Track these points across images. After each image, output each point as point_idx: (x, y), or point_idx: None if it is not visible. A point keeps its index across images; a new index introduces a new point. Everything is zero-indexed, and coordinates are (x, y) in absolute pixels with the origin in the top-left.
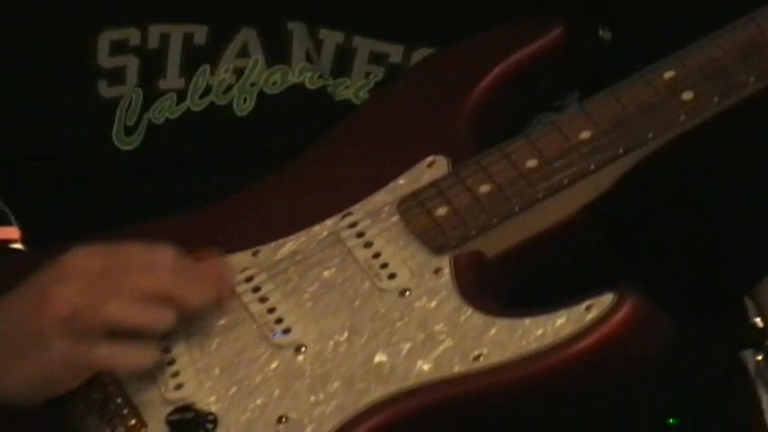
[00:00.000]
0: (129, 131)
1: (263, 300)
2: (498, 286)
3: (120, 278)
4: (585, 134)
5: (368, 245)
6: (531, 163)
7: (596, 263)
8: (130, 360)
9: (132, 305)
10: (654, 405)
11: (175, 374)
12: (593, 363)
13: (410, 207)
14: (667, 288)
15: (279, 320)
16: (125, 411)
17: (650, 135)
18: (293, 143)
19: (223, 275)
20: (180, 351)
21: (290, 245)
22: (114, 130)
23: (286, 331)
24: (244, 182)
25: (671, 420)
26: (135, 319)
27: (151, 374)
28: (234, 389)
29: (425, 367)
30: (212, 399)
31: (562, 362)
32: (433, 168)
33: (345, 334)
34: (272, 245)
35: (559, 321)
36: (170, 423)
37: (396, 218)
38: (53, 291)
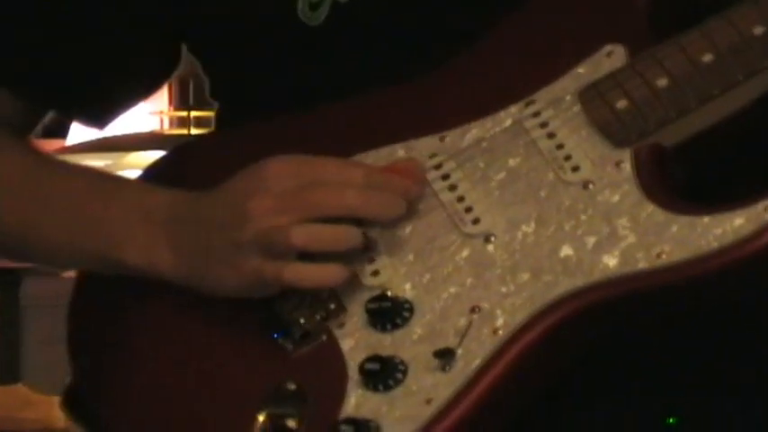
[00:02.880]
0: (313, 7)
1: (452, 188)
2: (676, 176)
3: (311, 196)
4: (759, 29)
5: (551, 135)
6: (707, 57)
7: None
8: (318, 280)
9: (320, 229)
10: None
11: (371, 260)
12: None
13: (591, 98)
14: None
15: (468, 209)
16: (325, 295)
17: None
18: (483, 22)
19: (415, 188)
20: (375, 237)
21: (475, 131)
22: (299, 5)
23: (476, 221)
24: (431, 62)
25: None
26: (321, 244)
27: (349, 260)
28: (427, 276)
29: (611, 263)
30: (408, 285)
31: (743, 258)
32: (611, 58)
33: (532, 225)
34: (458, 130)
35: (738, 221)
36: (368, 311)
37: (577, 108)
38: (249, 206)
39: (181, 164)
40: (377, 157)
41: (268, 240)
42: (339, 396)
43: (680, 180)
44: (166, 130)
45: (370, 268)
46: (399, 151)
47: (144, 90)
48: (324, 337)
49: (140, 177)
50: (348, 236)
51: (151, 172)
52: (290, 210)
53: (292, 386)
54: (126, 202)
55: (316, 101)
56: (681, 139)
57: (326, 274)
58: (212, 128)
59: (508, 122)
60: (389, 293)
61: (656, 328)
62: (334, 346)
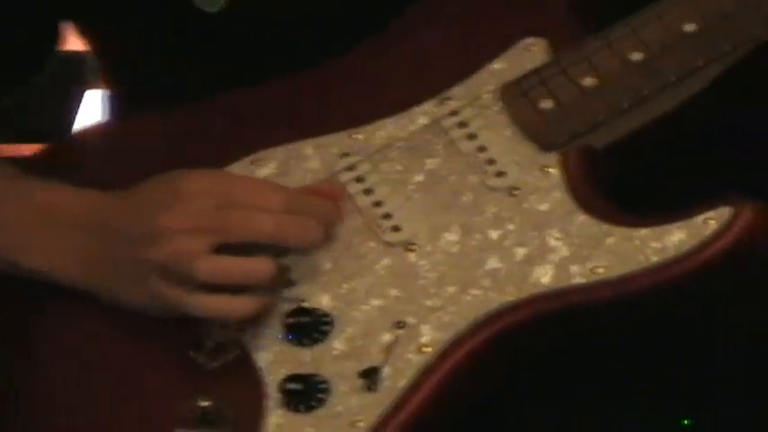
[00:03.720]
0: None
1: (368, 192)
2: (606, 179)
3: (226, 220)
4: (690, 26)
5: (472, 137)
6: (637, 56)
7: (697, 154)
8: (222, 314)
9: (228, 263)
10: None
11: (286, 269)
12: (715, 274)
13: (513, 97)
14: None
15: (387, 216)
16: None
17: (759, 31)
18: (392, 10)
19: (336, 214)
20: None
21: (389, 128)
22: None
23: (395, 229)
24: (337, 52)
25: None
26: (228, 279)
27: None
28: (346, 286)
29: (544, 277)
30: (326, 297)
31: (685, 273)
32: (532, 52)
33: (456, 233)
34: (369, 127)
35: (678, 235)
36: (286, 326)
37: (498, 108)
38: (161, 221)
39: (73, 153)
40: (285, 153)
41: (173, 266)
42: (258, 415)
43: (607, 183)
44: None
45: (284, 277)
46: (308, 148)
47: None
48: (238, 351)
49: (33, 165)
50: (258, 270)
51: (42, 161)
52: (203, 232)
53: (207, 403)
54: (22, 201)
55: (214, 90)
56: (611, 141)
57: (232, 308)
58: None
59: (424, 120)
60: (307, 305)
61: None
62: (248, 360)
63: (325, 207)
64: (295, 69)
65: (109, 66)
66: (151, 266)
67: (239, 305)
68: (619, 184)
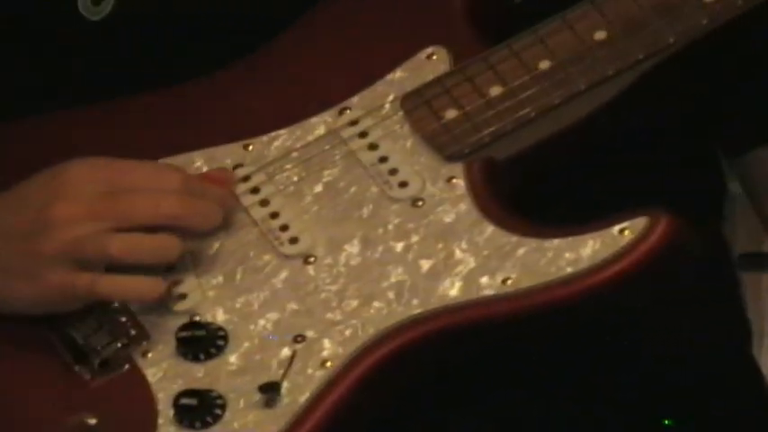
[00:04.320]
0: (96, 1)
1: (264, 203)
2: (513, 189)
3: (124, 203)
4: (600, 35)
5: (372, 147)
6: (544, 65)
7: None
8: (134, 293)
9: (139, 239)
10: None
11: (177, 282)
12: (632, 284)
13: (415, 106)
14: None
15: (284, 227)
16: (124, 319)
17: (671, 40)
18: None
19: (230, 198)
20: (178, 257)
21: (283, 139)
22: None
23: (293, 241)
24: (229, 58)
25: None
26: (141, 255)
27: None
28: (241, 300)
29: (451, 290)
30: (219, 311)
31: (600, 284)
32: (433, 62)
33: (357, 245)
34: (264, 138)
35: (592, 245)
36: (179, 339)
37: (400, 117)
38: (53, 212)
39: None
40: (173, 164)
41: (79, 249)
42: None
43: (514, 193)
44: None
45: (175, 291)
46: (198, 159)
47: None
48: (126, 367)
49: None
50: (169, 246)
51: None
52: (100, 217)
53: (92, 421)
54: None
55: (98, 98)
56: (516, 151)
57: (145, 287)
58: None
59: (321, 130)
60: (200, 319)
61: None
62: (138, 376)
63: (220, 191)
64: (185, 79)
65: None
66: (45, 258)
67: (151, 284)
68: (526, 193)
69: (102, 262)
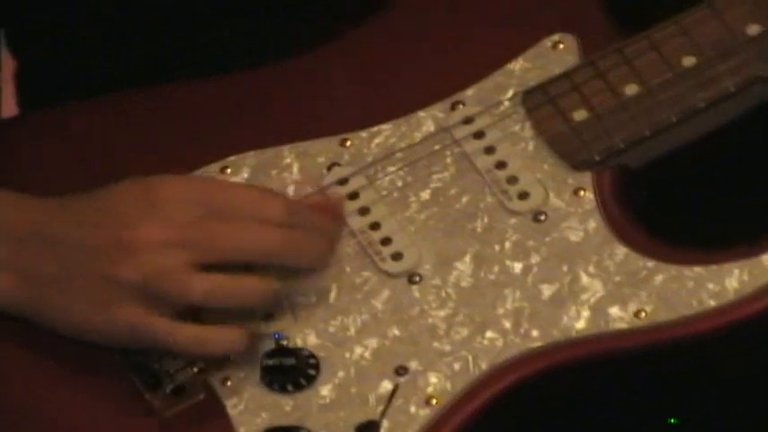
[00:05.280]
0: None
1: (363, 211)
2: (642, 206)
3: (222, 232)
4: (754, 29)
5: (489, 150)
6: (688, 61)
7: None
8: (216, 347)
9: (227, 282)
10: None
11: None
12: None
13: (539, 104)
14: None
15: (386, 240)
16: None
17: None
18: None
19: (339, 232)
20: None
21: (386, 135)
22: None
23: (396, 257)
24: (315, 39)
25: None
26: (226, 301)
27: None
28: (336, 323)
29: (576, 321)
30: (311, 335)
31: (745, 321)
32: (559, 51)
33: (469, 264)
34: (364, 134)
35: (738, 275)
36: (265, 368)
37: (521, 116)
38: (140, 234)
39: None
40: (259, 159)
41: (157, 285)
42: None
43: (646, 211)
44: None
45: (261, 312)
46: (287, 155)
47: None
48: (201, 396)
49: None
50: (262, 291)
51: None
52: (189, 246)
53: None
54: None
55: (141, 82)
56: (651, 160)
57: (228, 342)
58: None
59: (430, 127)
60: (290, 344)
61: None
62: (217, 406)
63: (329, 223)
64: (266, 60)
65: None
66: (121, 286)
67: (235, 338)
68: (655, 211)
69: (179, 305)
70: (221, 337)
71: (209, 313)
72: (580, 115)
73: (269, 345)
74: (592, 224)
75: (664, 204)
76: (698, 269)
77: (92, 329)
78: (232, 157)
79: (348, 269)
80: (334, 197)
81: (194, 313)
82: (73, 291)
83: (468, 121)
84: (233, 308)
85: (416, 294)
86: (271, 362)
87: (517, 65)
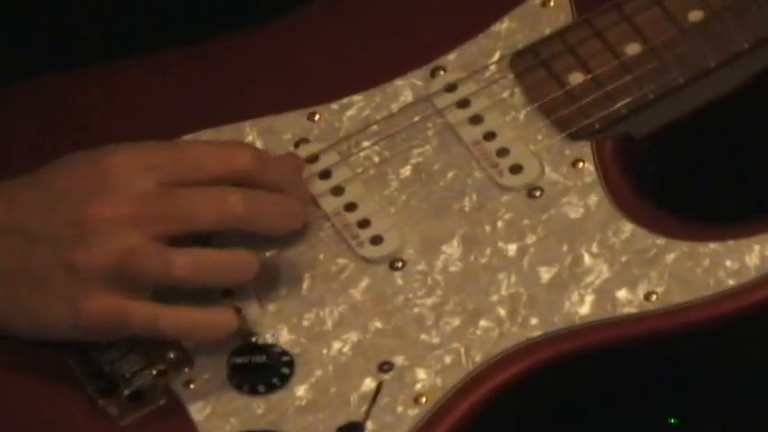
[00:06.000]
0: None
1: (337, 191)
2: (649, 178)
3: (182, 200)
4: None
5: (476, 120)
6: (695, 16)
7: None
8: (206, 331)
9: (211, 256)
10: None
11: (228, 294)
12: None
13: (530, 68)
14: None
15: (364, 223)
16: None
17: None
18: None
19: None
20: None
21: (359, 107)
22: None
23: (376, 240)
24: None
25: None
26: (209, 276)
27: (196, 297)
28: (311, 316)
29: (580, 308)
30: (283, 330)
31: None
32: (550, 9)
33: (458, 247)
34: (334, 106)
35: (759, 250)
36: (233, 367)
37: (510, 81)
38: (91, 213)
39: None
40: (219, 137)
41: (131, 266)
42: None
43: (651, 184)
44: None
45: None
46: (248, 133)
47: None
48: (162, 401)
49: None
50: (246, 263)
51: None
52: (150, 219)
53: None
54: None
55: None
56: (655, 129)
57: (219, 322)
58: None
59: (408, 97)
60: (257, 341)
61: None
62: (179, 412)
63: (300, 181)
64: (225, 28)
65: None
66: (85, 274)
67: (226, 317)
68: (663, 186)
69: (156, 284)
70: (214, 320)
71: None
72: (576, 78)
73: (236, 343)
74: (593, 199)
75: (672, 178)
76: (713, 245)
77: (59, 327)
78: (188, 137)
79: (322, 256)
80: (291, 156)
81: None
82: (32, 288)
83: (450, 88)
84: (216, 285)
85: (400, 282)
86: (239, 360)
87: (503, 25)
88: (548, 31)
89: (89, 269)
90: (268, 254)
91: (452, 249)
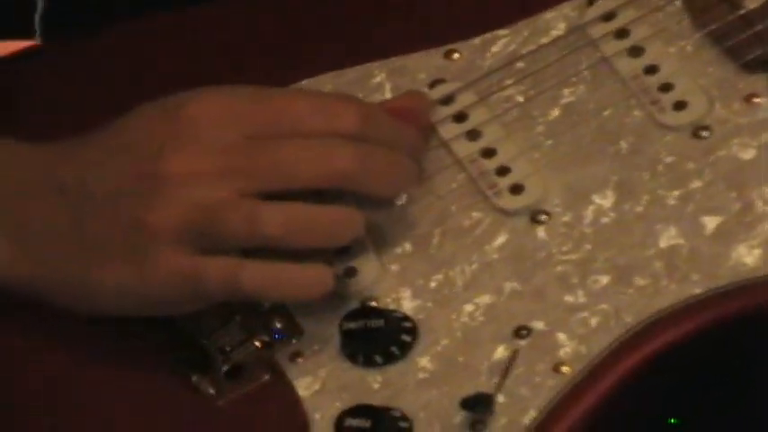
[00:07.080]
0: None
1: (473, 135)
2: None
3: (276, 154)
4: None
5: (636, 51)
6: None
7: None
8: (296, 290)
9: (305, 212)
10: None
11: (343, 251)
12: None
13: None
14: None
15: (503, 170)
16: (265, 307)
17: None
18: None
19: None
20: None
21: (504, 43)
22: None
23: (516, 189)
24: None
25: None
26: (308, 236)
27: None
28: (439, 277)
29: (749, 258)
30: (406, 293)
31: None
32: None
33: (611, 196)
34: (476, 41)
35: None
36: (346, 333)
37: (676, 8)
38: (167, 167)
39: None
40: (340, 81)
41: (211, 222)
42: None
43: None
44: None
45: (341, 265)
46: (377, 75)
47: None
48: (267, 376)
49: None
50: (351, 222)
51: None
52: (235, 174)
53: None
54: None
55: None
56: None
57: (312, 280)
58: None
59: (560, 29)
60: (376, 304)
61: None
62: (285, 389)
63: (417, 135)
64: None
65: None
66: (157, 233)
67: (321, 275)
68: None
69: (244, 243)
70: (305, 276)
71: None
72: (754, 1)
73: (350, 306)
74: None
75: None
76: None
77: (122, 298)
78: (304, 82)
79: (454, 208)
80: (417, 97)
81: None
82: (92, 250)
83: (608, 17)
84: (316, 246)
85: (542, 236)
86: (353, 325)
87: None
88: None
89: (162, 228)
90: (394, 209)
91: (604, 199)
